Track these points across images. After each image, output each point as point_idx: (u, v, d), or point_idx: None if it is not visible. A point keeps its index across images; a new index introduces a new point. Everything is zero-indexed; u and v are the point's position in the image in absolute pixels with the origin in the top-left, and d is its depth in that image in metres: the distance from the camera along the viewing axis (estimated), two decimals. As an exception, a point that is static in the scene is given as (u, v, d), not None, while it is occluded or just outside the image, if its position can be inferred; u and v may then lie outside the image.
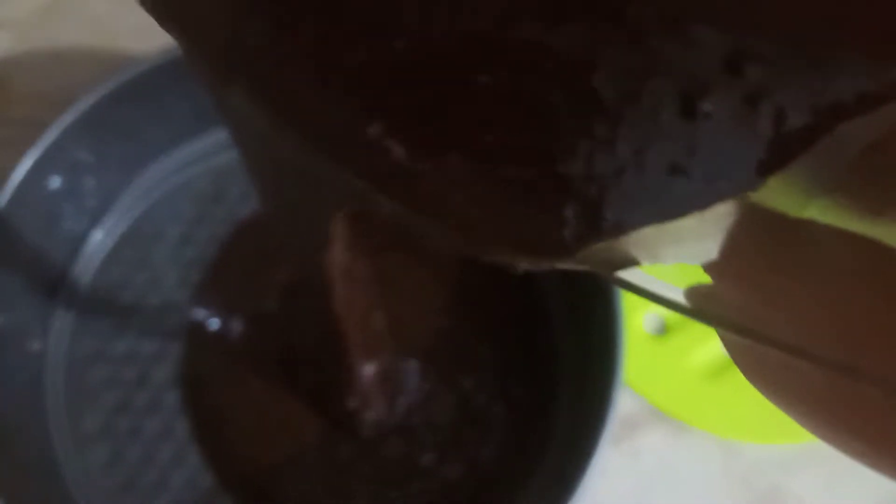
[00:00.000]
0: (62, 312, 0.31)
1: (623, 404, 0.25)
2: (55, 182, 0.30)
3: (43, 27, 0.38)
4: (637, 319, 0.33)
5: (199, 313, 0.32)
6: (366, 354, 0.31)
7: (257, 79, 0.07)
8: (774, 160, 0.06)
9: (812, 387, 0.08)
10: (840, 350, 0.07)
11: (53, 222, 0.30)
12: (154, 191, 0.33)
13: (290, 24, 0.07)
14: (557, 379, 0.30)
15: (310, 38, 0.06)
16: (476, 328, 0.32)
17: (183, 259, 0.32)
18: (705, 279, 0.07)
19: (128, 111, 0.30)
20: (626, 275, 0.07)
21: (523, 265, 0.07)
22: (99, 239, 0.32)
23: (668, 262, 0.07)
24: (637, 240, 0.07)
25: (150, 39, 0.29)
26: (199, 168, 0.33)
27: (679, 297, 0.07)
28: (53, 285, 0.31)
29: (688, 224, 0.07)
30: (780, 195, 0.07)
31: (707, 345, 0.33)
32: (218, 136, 0.33)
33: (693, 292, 0.07)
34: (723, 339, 0.09)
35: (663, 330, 0.33)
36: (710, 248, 0.07)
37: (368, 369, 0.31)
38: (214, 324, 0.32)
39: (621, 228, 0.07)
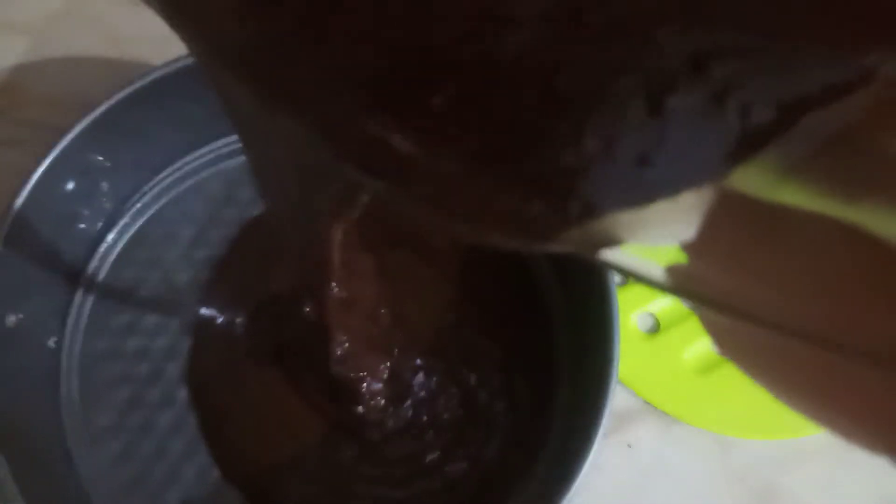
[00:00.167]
0: (77, 310, 0.32)
1: (617, 400, 0.26)
2: (71, 184, 0.30)
3: (57, 33, 0.38)
4: (630, 318, 0.34)
5: (205, 312, 0.33)
6: (372, 353, 0.31)
7: (269, 84, 0.07)
8: (741, 152, 0.06)
9: (787, 361, 0.08)
10: (816, 322, 0.07)
11: (69, 223, 0.31)
12: (167, 193, 0.34)
13: (290, 16, 0.07)
14: (555, 375, 0.31)
15: (300, 23, 0.07)
16: (478, 325, 0.32)
17: (195, 259, 0.33)
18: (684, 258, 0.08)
19: (141, 116, 0.31)
20: (610, 255, 0.07)
21: (512, 247, 0.07)
22: (113, 239, 0.33)
23: (648, 243, 0.07)
24: (614, 223, 0.07)
25: (163, 46, 0.30)
26: (211, 172, 0.34)
27: (661, 276, 0.08)
28: (69, 284, 0.32)
29: (663, 208, 0.07)
30: (752, 180, 0.07)
31: (697, 343, 0.33)
32: (229, 142, 0.34)
33: (674, 271, 0.07)
34: (702, 318, 0.09)
35: (656, 328, 0.34)
36: (687, 229, 0.07)
37: (375, 371, 0.31)
38: (219, 323, 0.32)
39: (590, 214, 0.07)
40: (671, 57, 0.06)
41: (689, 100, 0.06)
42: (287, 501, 0.30)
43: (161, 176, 0.34)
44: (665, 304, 0.34)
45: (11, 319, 0.28)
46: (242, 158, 0.34)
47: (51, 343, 0.31)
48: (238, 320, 0.33)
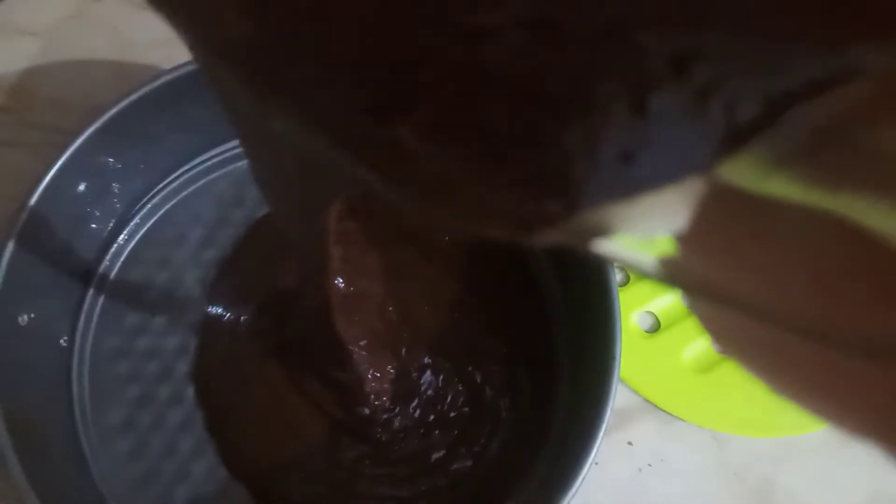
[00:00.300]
0: (88, 309, 0.32)
1: (618, 398, 0.26)
2: (82, 186, 0.31)
3: (67, 37, 0.39)
4: (631, 317, 0.34)
5: (211, 311, 0.33)
6: (379, 353, 0.31)
7: (268, 82, 0.07)
8: (727, 146, 0.07)
9: (782, 353, 0.08)
10: (808, 314, 0.07)
11: (80, 224, 0.32)
12: (176, 195, 0.34)
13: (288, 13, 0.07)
14: (557, 373, 0.31)
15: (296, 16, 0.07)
16: (482, 323, 0.32)
17: (203, 260, 0.33)
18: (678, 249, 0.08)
19: (151, 119, 0.31)
20: (603, 246, 0.08)
21: (504, 239, 0.08)
22: (124, 240, 0.33)
23: (641, 234, 0.07)
24: (603, 215, 0.07)
25: (172, 50, 0.30)
26: (220, 174, 0.35)
27: (654, 266, 0.08)
28: (81, 284, 0.32)
29: (653, 200, 0.07)
30: (741, 173, 0.07)
31: (697, 342, 0.34)
32: (237, 144, 0.34)
33: (668, 262, 0.07)
34: (697, 312, 0.09)
35: (656, 327, 0.35)
36: (680, 221, 0.07)
37: (382, 371, 0.31)
38: (225, 322, 0.33)
39: (577, 209, 0.07)
40: (654, 59, 0.06)
41: (673, 99, 0.06)
42: (291, 500, 0.30)
43: (170, 178, 0.34)
44: (665, 304, 0.35)
45: (23, 318, 0.29)
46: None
47: (62, 342, 0.31)
48: (244, 319, 0.33)
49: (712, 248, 0.07)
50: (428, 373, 0.32)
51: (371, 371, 0.31)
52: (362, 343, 0.32)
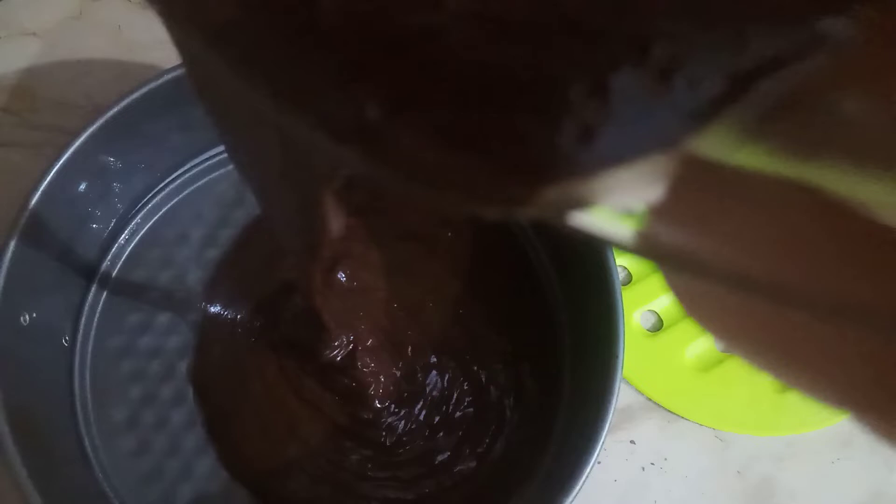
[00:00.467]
0: (90, 309, 0.32)
1: (620, 397, 0.26)
2: (83, 185, 0.31)
3: (69, 37, 0.39)
4: (633, 316, 0.34)
5: (211, 310, 0.33)
6: (385, 354, 0.31)
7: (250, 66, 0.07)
8: (694, 122, 0.07)
9: (751, 319, 0.08)
10: (778, 280, 0.07)
11: (82, 224, 0.31)
12: (177, 194, 0.34)
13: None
14: (561, 371, 0.31)
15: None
16: (485, 320, 0.32)
17: (205, 259, 0.33)
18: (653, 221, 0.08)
19: (152, 119, 0.31)
20: (578, 219, 0.08)
21: (480, 214, 0.08)
22: (125, 239, 0.33)
23: (615, 206, 0.07)
24: (574, 188, 0.07)
25: (173, 50, 0.30)
26: (221, 173, 0.35)
27: (629, 238, 0.08)
28: (83, 283, 0.32)
29: (624, 174, 0.07)
30: (709, 145, 0.07)
31: (700, 341, 0.34)
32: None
33: (641, 233, 0.08)
34: (669, 281, 0.09)
35: (658, 326, 0.35)
36: (652, 193, 0.07)
37: (388, 372, 0.31)
38: (225, 321, 0.33)
39: (544, 184, 0.07)
40: (613, 42, 0.06)
41: (634, 79, 0.06)
42: (295, 501, 0.30)
43: (172, 177, 0.34)
44: (668, 303, 0.35)
45: (25, 318, 0.29)
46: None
47: (64, 341, 0.31)
48: (243, 318, 0.33)
49: (686, 219, 0.07)
50: (434, 373, 0.32)
51: (377, 374, 0.31)
52: (369, 343, 0.32)
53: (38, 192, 0.28)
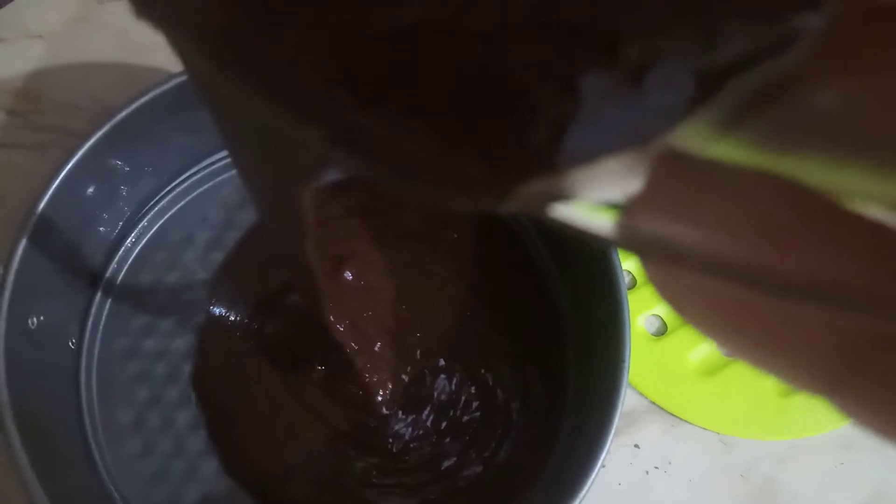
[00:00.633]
0: (97, 311, 0.32)
1: (625, 400, 0.26)
2: (91, 189, 0.31)
3: (75, 39, 0.39)
4: (638, 320, 0.34)
5: (214, 312, 0.33)
6: (391, 357, 0.31)
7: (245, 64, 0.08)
8: (668, 119, 0.07)
9: (730, 307, 0.09)
10: (752, 262, 0.07)
11: (89, 227, 0.32)
12: (184, 198, 0.34)
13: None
14: (566, 375, 0.31)
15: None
16: (491, 322, 0.32)
17: (211, 262, 0.34)
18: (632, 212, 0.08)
19: (159, 123, 0.31)
20: (558, 211, 0.08)
21: (459, 206, 0.08)
22: (132, 242, 0.34)
23: (594, 199, 0.08)
24: (549, 183, 0.07)
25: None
26: (226, 177, 0.35)
27: (608, 230, 0.08)
28: (90, 285, 0.32)
29: (601, 168, 0.07)
30: (685, 139, 0.07)
31: (703, 345, 0.34)
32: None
33: (621, 224, 0.08)
34: (648, 272, 0.09)
35: (662, 331, 0.35)
36: (630, 186, 0.07)
37: (395, 377, 0.31)
38: (228, 325, 0.32)
39: (514, 180, 0.07)
40: (583, 42, 0.06)
41: (605, 80, 0.06)
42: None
43: (178, 180, 0.34)
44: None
45: (33, 321, 0.29)
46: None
47: (71, 344, 0.31)
48: (246, 321, 0.33)
49: (665, 210, 0.08)
50: (442, 376, 0.31)
51: (385, 380, 0.31)
52: (376, 348, 0.32)
53: (46, 196, 0.28)
